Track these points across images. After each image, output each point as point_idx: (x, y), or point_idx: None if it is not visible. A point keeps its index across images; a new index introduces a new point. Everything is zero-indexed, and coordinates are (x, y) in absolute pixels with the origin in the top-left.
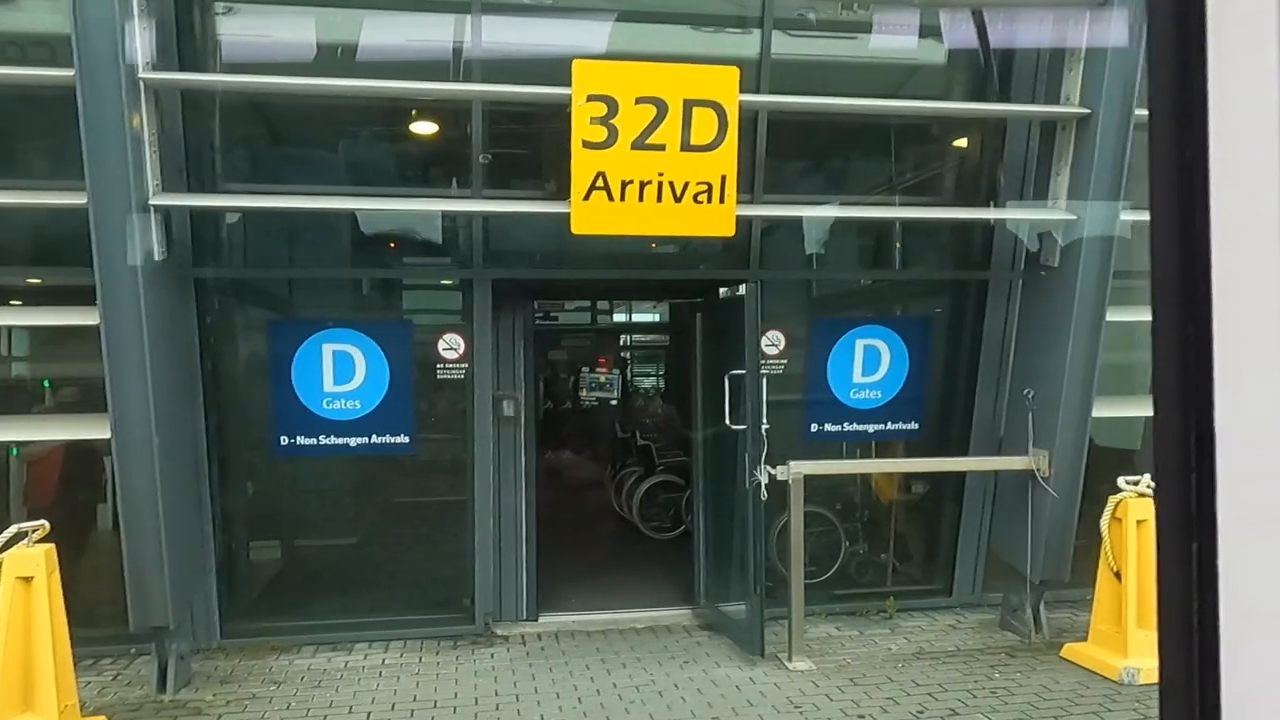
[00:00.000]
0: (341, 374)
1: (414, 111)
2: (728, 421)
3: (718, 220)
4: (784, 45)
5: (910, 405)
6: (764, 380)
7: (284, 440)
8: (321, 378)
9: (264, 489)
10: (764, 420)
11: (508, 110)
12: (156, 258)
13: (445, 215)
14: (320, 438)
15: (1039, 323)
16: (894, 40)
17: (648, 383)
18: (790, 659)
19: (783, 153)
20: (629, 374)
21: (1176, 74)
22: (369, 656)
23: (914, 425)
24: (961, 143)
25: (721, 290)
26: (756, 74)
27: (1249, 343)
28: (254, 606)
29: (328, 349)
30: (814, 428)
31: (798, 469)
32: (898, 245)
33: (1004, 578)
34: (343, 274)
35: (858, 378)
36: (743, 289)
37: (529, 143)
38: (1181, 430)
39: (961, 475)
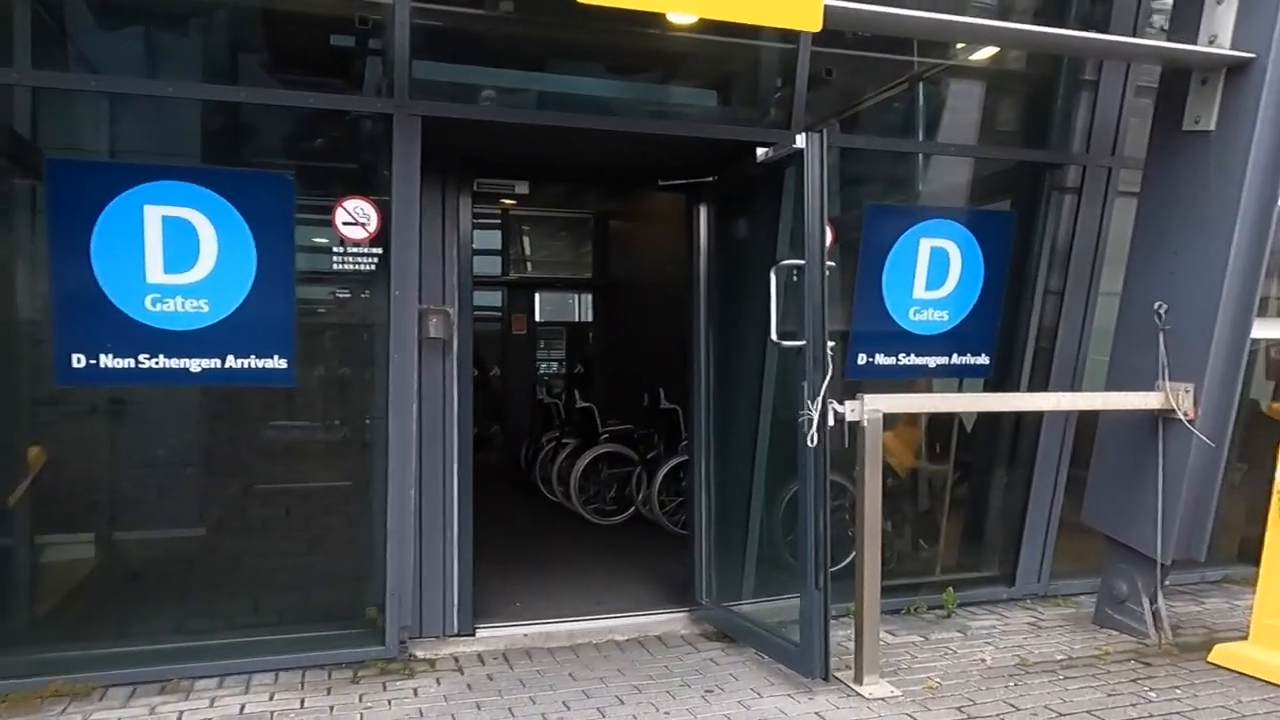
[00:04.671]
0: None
1: None
2: (773, 336)
3: (797, 6)
4: None
5: (981, 331)
6: (827, 275)
7: (77, 361)
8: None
9: (39, 432)
10: (827, 335)
11: None
12: None
13: None
14: (140, 357)
15: (1179, 211)
16: None
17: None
18: (860, 680)
19: None
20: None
21: None
22: (218, 701)
23: (984, 359)
24: None
25: (760, 150)
26: None
27: None
28: (29, 625)
29: (153, 213)
30: (861, 359)
31: (874, 405)
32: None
33: (1081, 559)
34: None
35: (920, 292)
36: (800, 140)
37: None
38: None
39: (1032, 434)
